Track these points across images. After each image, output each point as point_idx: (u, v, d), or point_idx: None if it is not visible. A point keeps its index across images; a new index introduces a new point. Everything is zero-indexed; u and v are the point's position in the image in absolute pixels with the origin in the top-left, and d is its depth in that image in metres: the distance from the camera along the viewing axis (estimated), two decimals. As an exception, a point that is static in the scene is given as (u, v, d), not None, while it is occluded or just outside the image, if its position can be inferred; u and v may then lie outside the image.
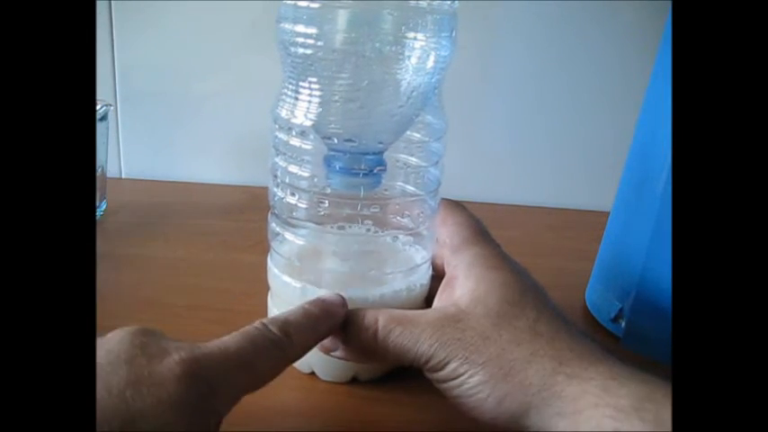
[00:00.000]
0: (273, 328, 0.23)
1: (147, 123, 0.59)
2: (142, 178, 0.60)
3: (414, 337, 0.25)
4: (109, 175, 0.51)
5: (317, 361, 0.30)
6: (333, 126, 0.27)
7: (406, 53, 0.25)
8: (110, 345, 0.20)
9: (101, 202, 0.49)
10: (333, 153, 0.27)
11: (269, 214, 0.31)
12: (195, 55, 0.57)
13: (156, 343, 0.20)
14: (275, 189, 0.30)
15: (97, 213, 0.49)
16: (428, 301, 0.30)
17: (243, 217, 0.52)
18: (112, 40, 0.56)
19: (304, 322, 0.24)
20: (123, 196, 0.54)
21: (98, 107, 0.47)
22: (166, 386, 0.19)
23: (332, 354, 0.27)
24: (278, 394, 0.30)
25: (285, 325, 0.24)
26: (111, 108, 0.52)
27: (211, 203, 0.55)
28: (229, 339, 0.22)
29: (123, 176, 0.61)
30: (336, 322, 0.26)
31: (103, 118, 0.47)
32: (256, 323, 0.23)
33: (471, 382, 0.24)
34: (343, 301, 0.27)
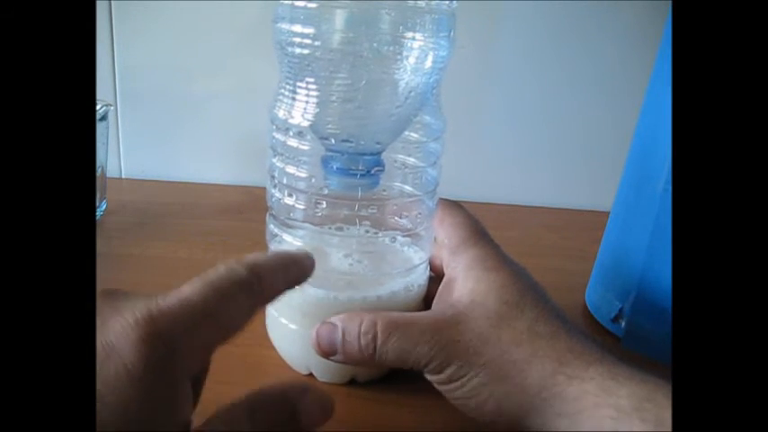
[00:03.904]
0: (240, 268, 0.20)
1: (147, 123, 0.59)
2: (142, 178, 0.60)
3: (413, 340, 0.25)
4: (109, 175, 0.51)
5: (314, 362, 0.30)
6: (330, 126, 0.27)
7: (404, 53, 0.25)
8: None
9: (101, 202, 0.49)
10: (330, 154, 0.27)
11: (267, 215, 0.31)
12: (195, 55, 0.57)
13: (110, 305, 0.18)
14: (273, 190, 0.30)
15: (97, 213, 0.49)
16: (427, 302, 0.30)
17: (243, 217, 0.52)
18: (112, 40, 0.56)
19: (273, 263, 0.22)
20: (123, 196, 0.54)
21: (98, 107, 0.47)
22: (122, 358, 0.17)
23: (331, 358, 0.27)
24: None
25: (254, 266, 0.21)
26: (111, 108, 0.52)
27: (211, 203, 0.55)
28: (190, 289, 0.19)
29: (123, 176, 0.61)
30: (306, 271, 0.24)
31: (103, 118, 0.47)
32: (220, 266, 0.21)
33: (472, 384, 0.24)
34: (309, 254, 0.24)
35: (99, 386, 0.16)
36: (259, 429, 0.19)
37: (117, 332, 0.17)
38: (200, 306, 0.19)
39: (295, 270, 0.23)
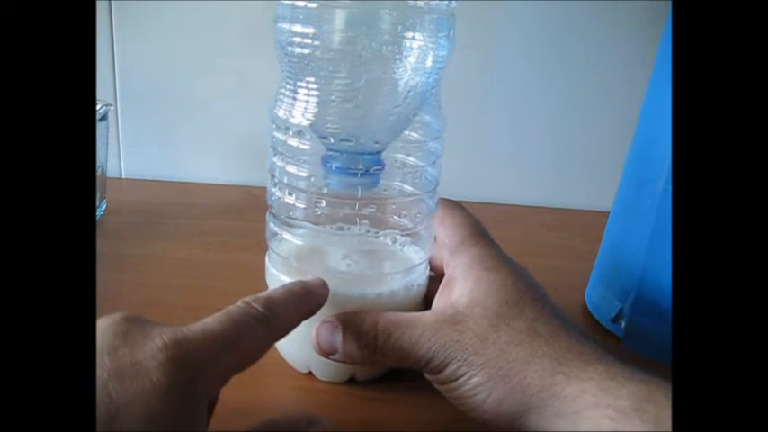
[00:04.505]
0: (257, 305, 0.23)
1: (147, 123, 0.59)
2: (142, 178, 0.60)
3: (413, 340, 0.25)
4: (109, 175, 0.51)
5: (314, 361, 0.30)
6: (330, 126, 0.27)
7: (404, 53, 0.25)
8: None
9: (101, 202, 0.49)
10: (330, 153, 0.27)
11: (267, 214, 0.31)
12: (195, 55, 0.57)
13: (139, 329, 0.20)
14: (273, 189, 0.30)
15: (97, 213, 0.49)
16: (427, 302, 0.30)
17: (242, 217, 0.52)
18: (112, 40, 0.56)
19: (287, 298, 0.24)
20: (123, 196, 0.54)
21: (98, 107, 0.47)
22: (150, 374, 0.18)
23: (331, 357, 0.27)
24: (275, 394, 0.30)
25: (268, 302, 0.23)
26: (111, 108, 0.52)
27: (211, 203, 0.55)
28: (212, 320, 0.21)
29: (123, 176, 0.61)
30: (319, 302, 0.26)
31: (103, 118, 0.47)
32: (239, 302, 0.23)
33: (471, 383, 0.24)
34: (324, 284, 0.26)
35: (127, 400, 0.18)
36: None
37: (146, 353, 0.19)
38: (221, 336, 0.21)
39: (309, 301, 0.25)
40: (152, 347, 0.19)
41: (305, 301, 0.25)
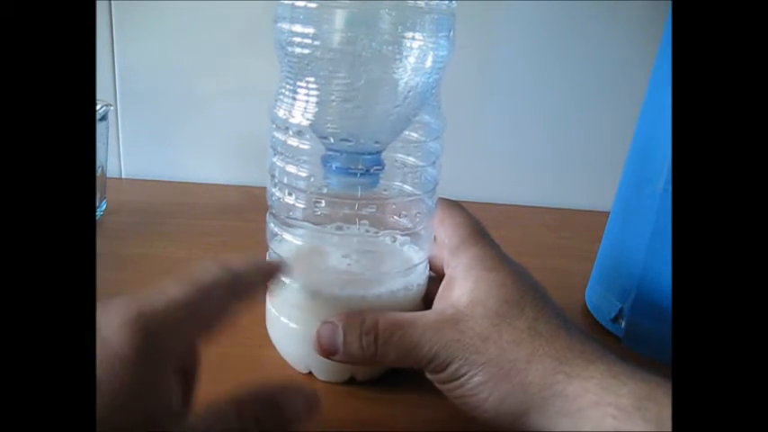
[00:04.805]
0: (216, 268, 0.23)
1: (147, 123, 0.59)
2: (142, 178, 0.60)
3: (414, 339, 0.25)
4: (109, 175, 0.51)
5: (314, 361, 0.30)
6: (329, 125, 0.27)
7: (404, 53, 0.25)
8: None
9: (101, 202, 0.49)
10: (330, 153, 0.27)
11: (267, 214, 0.31)
12: (195, 55, 0.57)
13: (101, 308, 0.19)
14: (273, 189, 0.30)
15: (97, 213, 0.49)
16: (427, 302, 0.30)
17: (242, 217, 0.52)
18: (112, 40, 0.56)
19: (247, 261, 0.24)
20: (123, 196, 0.54)
21: (98, 107, 0.47)
22: (115, 348, 0.18)
23: (331, 357, 0.27)
24: (276, 394, 0.30)
25: (227, 264, 0.23)
26: (111, 108, 0.52)
27: (211, 203, 0.55)
28: (172, 286, 0.21)
29: (123, 176, 0.61)
30: (280, 267, 0.26)
31: (103, 118, 0.47)
32: (199, 265, 0.23)
33: (472, 382, 0.24)
34: (283, 261, 0.27)
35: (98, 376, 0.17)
36: (246, 424, 0.20)
37: (111, 328, 0.19)
38: (184, 302, 0.21)
39: (269, 266, 0.26)
40: (117, 322, 0.19)
41: (266, 265, 0.26)
